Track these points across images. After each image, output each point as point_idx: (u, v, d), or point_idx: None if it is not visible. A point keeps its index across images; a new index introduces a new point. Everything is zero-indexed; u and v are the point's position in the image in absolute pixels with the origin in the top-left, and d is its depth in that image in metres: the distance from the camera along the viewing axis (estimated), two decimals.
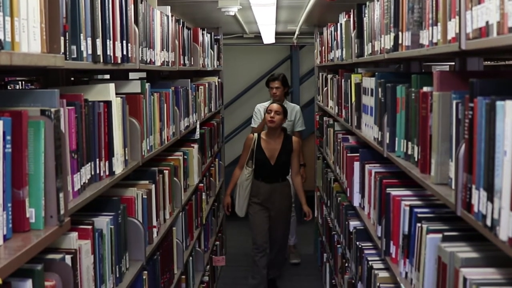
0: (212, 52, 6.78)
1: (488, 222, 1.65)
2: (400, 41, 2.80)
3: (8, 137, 1.62)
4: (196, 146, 4.98)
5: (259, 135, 5.88)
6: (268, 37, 8.76)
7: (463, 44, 1.85)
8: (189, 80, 4.74)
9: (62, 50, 1.98)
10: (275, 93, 6.98)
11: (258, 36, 9.11)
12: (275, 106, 5.79)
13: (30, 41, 1.64)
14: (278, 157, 5.81)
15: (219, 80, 7.34)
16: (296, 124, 7.10)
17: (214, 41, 7.10)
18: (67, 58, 2.09)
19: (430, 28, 2.30)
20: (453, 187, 2.06)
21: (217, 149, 6.86)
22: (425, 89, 2.42)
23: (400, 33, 2.81)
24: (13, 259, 1.49)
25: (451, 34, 2.03)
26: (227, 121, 9.23)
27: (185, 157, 4.55)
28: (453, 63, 3.41)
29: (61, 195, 1.81)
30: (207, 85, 6.03)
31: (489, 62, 4.83)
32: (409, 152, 2.66)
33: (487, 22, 1.66)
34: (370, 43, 3.65)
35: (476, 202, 1.76)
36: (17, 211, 1.68)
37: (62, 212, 1.82)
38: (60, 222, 1.81)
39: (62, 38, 2.00)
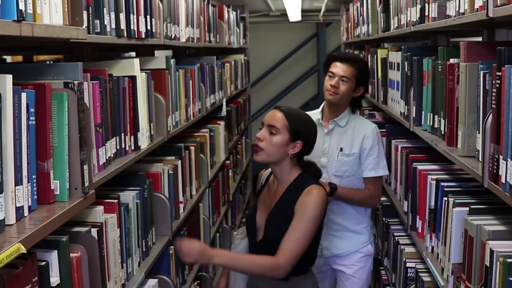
0: (238, 29, 6.75)
1: None
2: (426, 13, 2.76)
3: (32, 110, 1.64)
4: (222, 123, 4.98)
5: (271, 173, 2.82)
6: (294, 15, 8.69)
7: (491, 11, 1.81)
8: (215, 57, 4.73)
9: (85, 24, 1.98)
10: (334, 87, 3.19)
11: (284, 14, 9.06)
12: (276, 115, 2.63)
13: (52, 13, 1.64)
14: (269, 224, 2.67)
15: (245, 58, 7.32)
16: (365, 161, 3.20)
17: (240, 18, 7.08)
18: (91, 32, 2.09)
19: None
20: (480, 159, 2.04)
21: (243, 127, 6.85)
22: (452, 61, 2.38)
23: (426, 5, 2.76)
24: (38, 229, 1.51)
25: (478, 3, 1.99)
26: (254, 99, 9.21)
27: (212, 134, 4.55)
28: (481, 38, 3.35)
29: (85, 167, 1.82)
30: (233, 63, 6.01)
31: None
32: (436, 125, 2.63)
33: None
34: (396, 17, 3.60)
35: (503, 173, 1.73)
36: (42, 183, 1.70)
37: (86, 184, 1.83)
38: (85, 194, 1.82)
39: (85, 12, 2.00)
